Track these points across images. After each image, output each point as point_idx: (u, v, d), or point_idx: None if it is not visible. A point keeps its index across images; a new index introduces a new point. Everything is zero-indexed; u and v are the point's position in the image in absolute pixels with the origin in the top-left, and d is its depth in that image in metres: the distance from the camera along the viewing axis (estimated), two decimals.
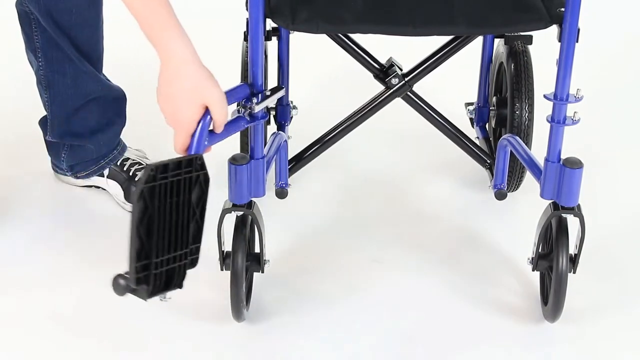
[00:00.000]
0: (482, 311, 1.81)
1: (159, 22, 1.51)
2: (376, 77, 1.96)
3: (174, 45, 1.51)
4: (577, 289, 1.78)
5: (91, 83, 1.97)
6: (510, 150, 1.89)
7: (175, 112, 1.53)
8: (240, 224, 1.68)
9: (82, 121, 2.00)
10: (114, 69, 2.11)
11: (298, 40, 1.95)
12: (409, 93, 1.96)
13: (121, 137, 2.09)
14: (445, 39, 1.93)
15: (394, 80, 1.94)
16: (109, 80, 2.03)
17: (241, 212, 1.68)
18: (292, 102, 2.04)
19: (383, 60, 1.96)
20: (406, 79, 1.94)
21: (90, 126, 2.01)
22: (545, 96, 1.69)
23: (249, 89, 1.65)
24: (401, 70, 1.95)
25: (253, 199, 1.68)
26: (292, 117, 2.05)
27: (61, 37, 1.89)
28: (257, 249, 1.73)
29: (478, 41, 2.06)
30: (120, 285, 1.45)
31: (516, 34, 1.98)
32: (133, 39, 2.01)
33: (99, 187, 2.10)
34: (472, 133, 2.14)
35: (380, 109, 1.96)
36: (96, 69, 1.97)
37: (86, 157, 2.05)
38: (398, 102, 1.97)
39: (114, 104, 2.03)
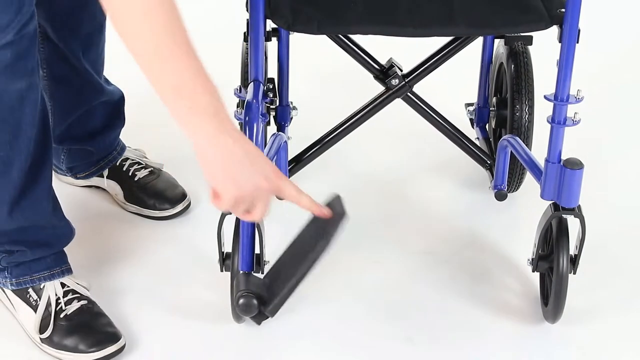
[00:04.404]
0: (482, 311, 1.81)
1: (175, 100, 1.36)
2: (376, 77, 1.96)
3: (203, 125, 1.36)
4: (578, 289, 1.78)
5: (94, 92, 1.96)
6: (511, 151, 1.88)
7: (241, 188, 1.41)
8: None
9: (82, 126, 1.99)
10: (112, 68, 2.10)
11: (298, 40, 1.95)
12: (409, 94, 1.96)
13: (120, 137, 2.08)
14: (445, 39, 1.93)
15: (394, 81, 1.93)
16: (109, 83, 2.02)
17: None
18: (292, 102, 2.04)
19: (383, 61, 1.96)
20: (406, 80, 1.93)
21: (90, 130, 2.00)
22: (545, 97, 1.69)
23: (262, 86, 1.66)
24: (401, 71, 1.95)
25: None
26: (292, 118, 2.05)
27: (71, 53, 1.87)
28: (257, 250, 1.73)
29: (478, 42, 2.06)
30: (253, 306, 1.52)
31: (516, 34, 1.98)
32: None
33: (99, 187, 2.10)
34: (472, 134, 2.14)
35: (380, 109, 1.96)
36: (99, 76, 1.97)
37: (86, 159, 2.05)
38: (398, 102, 1.97)
39: (113, 107, 2.02)
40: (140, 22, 1.30)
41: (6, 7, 1.48)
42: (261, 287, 1.56)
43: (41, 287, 1.73)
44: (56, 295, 1.72)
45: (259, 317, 1.55)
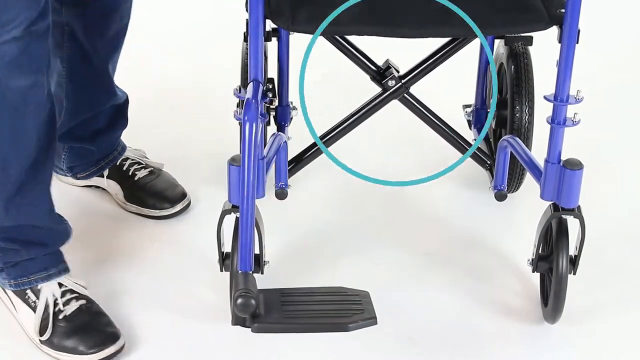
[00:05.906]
0: (482, 312, 1.81)
1: None
2: (373, 79, 1.95)
3: None
4: (577, 290, 1.78)
5: (108, 95, 1.97)
6: (511, 152, 1.88)
7: None
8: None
9: (87, 127, 1.98)
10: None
11: (298, 41, 1.95)
12: (405, 95, 1.95)
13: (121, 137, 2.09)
14: (443, 40, 1.92)
15: (391, 82, 1.93)
16: (116, 87, 2.02)
17: None
18: (291, 102, 2.04)
19: (380, 62, 1.96)
20: (403, 81, 1.93)
21: (94, 130, 2.00)
22: (545, 97, 1.69)
23: (262, 86, 1.66)
24: (398, 72, 1.94)
25: None
26: (292, 118, 2.05)
27: (96, 54, 1.87)
28: (257, 250, 1.73)
29: (477, 42, 2.05)
30: (251, 305, 1.52)
31: (516, 35, 1.97)
32: (135, 38, 2.01)
33: (99, 187, 2.10)
34: (471, 135, 2.13)
35: (377, 110, 1.95)
36: (112, 79, 1.98)
37: (87, 158, 2.05)
38: (397, 103, 1.96)
39: (118, 108, 2.02)
40: None
41: (14, 1, 1.48)
42: (258, 295, 1.57)
43: (39, 287, 1.73)
44: (54, 296, 1.72)
45: (251, 321, 1.56)
